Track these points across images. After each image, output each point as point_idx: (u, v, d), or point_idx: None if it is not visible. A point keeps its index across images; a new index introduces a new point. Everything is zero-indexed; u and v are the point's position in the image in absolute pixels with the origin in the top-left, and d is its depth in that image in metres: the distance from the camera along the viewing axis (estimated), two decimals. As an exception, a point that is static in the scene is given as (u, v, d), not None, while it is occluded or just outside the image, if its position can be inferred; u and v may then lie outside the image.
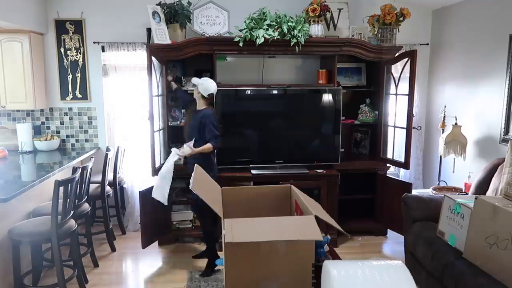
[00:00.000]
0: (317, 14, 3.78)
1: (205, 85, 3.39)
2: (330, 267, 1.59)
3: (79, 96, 4.28)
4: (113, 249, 3.88)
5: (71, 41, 4.19)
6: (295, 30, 3.66)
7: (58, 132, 4.34)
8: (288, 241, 1.88)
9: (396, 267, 1.59)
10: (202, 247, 3.96)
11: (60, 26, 4.16)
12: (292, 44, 3.66)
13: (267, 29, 3.65)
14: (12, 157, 3.85)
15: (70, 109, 4.31)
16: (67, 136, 4.36)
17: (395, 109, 4.04)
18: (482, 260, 2.38)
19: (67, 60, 4.22)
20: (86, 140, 4.38)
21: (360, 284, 1.51)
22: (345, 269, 1.57)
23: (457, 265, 2.52)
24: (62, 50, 4.20)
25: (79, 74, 4.25)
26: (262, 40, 3.60)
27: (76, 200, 3.09)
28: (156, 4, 3.85)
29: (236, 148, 3.98)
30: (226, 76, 4.16)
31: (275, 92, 3.95)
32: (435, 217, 2.92)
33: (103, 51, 4.16)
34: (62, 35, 4.18)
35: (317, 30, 3.86)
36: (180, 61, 4.08)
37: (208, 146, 3.33)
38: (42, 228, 2.79)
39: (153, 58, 3.64)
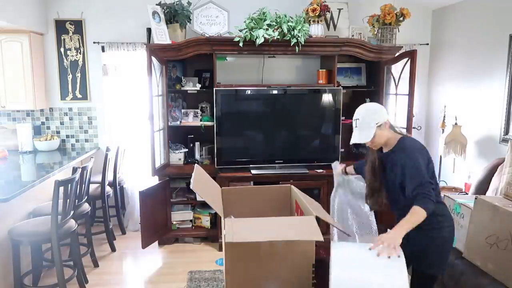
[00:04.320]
0: (317, 14, 3.78)
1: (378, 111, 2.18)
2: (334, 246, 1.83)
3: (79, 96, 4.28)
4: (113, 249, 3.88)
5: (71, 41, 4.19)
6: (295, 30, 3.66)
7: (58, 132, 4.34)
8: (288, 241, 1.88)
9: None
10: (203, 247, 3.96)
11: (60, 26, 4.16)
12: (292, 44, 3.66)
13: (267, 29, 3.65)
14: (12, 157, 3.85)
15: (70, 109, 4.31)
16: (67, 136, 4.36)
17: (395, 109, 4.04)
18: (482, 260, 2.38)
19: (67, 60, 4.21)
20: (86, 140, 4.38)
21: (356, 257, 1.76)
22: (345, 248, 1.83)
23: (457, 265, 2.52)
24: (62, 50, 4.20)
25: (79, 74, 4.25)
26: (262, 40, 3.60)
27: (76, 200, 3.09)
28: (156, 4, 3.85)
29: (236, 148, 3.98)
30: (226, 76, 4.16)
31: (275, 92, 3.95)
32: (435, 217, 2.91)
33: (103, 51, 4.16)
34: (62, 35, 4.18)
35: (317, 30, 3.86)
36: (180, 61, 4.08)
37: (417, 212, 1.92)
38: (42, 228, 2.79)
39: (153, 58, 3.65)
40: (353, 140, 2.15)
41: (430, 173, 2.07)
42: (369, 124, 2.09)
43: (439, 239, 2.09)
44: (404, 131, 3.84)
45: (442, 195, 2.83)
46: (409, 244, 1.93)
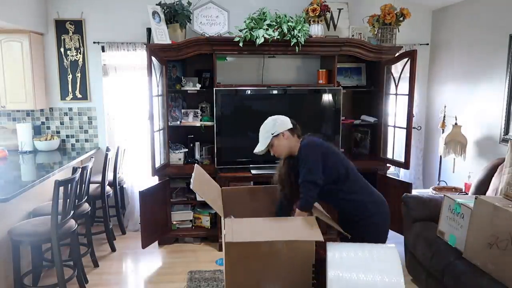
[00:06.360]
0: (317, 14, 3.78)
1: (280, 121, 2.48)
2: (329, 247, 1.87)
3: (79, 96, 4.28)
4: (113, 249, 3.88)
5: (71, 41, 4.19)
6: (295, 30, 3.66)
7: (58, 132, 4.34)
8: (288, 241, 1.88)
9: (386, 247, 1.87)
10: (203, 247, 3.96)
11: (60, 26, 4.16)
12: (292, 44, 3.66)
13: (267, 29, 3.65)
14: (12, 157, 3.85)
15: (70, 109, 4.31)
16: (67, 136, 4.36)
17: (395, 109, 4.04)
18: (482, 260, 2.38)
19: (67, 60, 4.21)
20: (86, 140, 4.38)
21: (351, 258, 1.79)
22: (341, 249, 1.85)
23: (457, 265, 2.52)
24: (62, 50, 4.20)
25: (79, 74, 4.25)
26: (262, 40, 3.60)
27: (76, 200, 3.09)
28: (156, 4, 3.85)
29: (236, 148, 3.97)
30: (226, 76, 4.16)
31: (275, 92, 3.95)
32: (435, 217, 2.92)
33: (103, 51, 4.16)
34: (62, 35, 4.17)
35: (317, 30, 3.86)
36: (180, 61, 4.08)
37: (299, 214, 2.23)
38: (42, 228, 2.79)
39: (153, 58, 3.64)
40: (255, 150, 2.40)
41: (331, 163, 2.27)
42: (266, 135, 2.39)
43: (372, 225, 2.30)
44: (405, 131, 3.85)
45: (442, 194, 2.87)
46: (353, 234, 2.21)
